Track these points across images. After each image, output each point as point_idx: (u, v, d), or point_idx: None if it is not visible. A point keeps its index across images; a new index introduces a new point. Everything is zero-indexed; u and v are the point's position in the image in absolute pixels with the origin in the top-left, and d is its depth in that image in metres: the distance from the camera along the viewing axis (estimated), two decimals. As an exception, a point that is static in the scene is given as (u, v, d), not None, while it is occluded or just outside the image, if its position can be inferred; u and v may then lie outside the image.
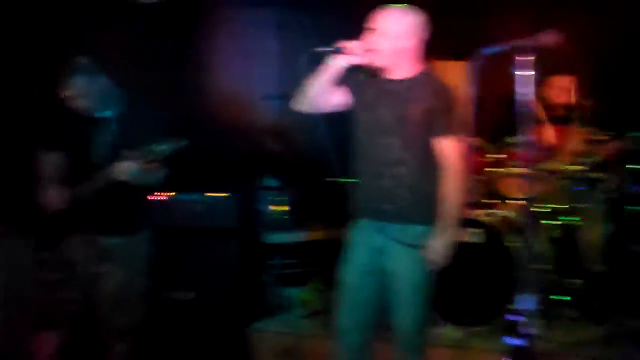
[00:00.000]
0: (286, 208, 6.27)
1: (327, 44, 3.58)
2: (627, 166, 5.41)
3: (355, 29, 3.70)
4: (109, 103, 4.30)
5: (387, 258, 3.65)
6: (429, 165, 3.64)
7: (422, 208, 3.64)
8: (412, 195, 3.62)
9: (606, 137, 5.25)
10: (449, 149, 3.61)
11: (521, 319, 2.68)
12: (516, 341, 2.53)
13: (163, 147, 4.09)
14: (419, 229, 3.62)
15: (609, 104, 5.45)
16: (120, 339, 4.40)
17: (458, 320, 4.94)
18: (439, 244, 3.60)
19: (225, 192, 5.57)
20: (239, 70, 6.60)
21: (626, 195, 5.52)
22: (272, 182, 6.44)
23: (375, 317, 3.77)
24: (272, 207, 6.21)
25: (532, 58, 2.79)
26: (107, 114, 4.30)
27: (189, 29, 6.40)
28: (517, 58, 2.75)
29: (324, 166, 6.55)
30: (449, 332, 4.91)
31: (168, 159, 4.17)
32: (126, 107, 4.34)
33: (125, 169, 4.08)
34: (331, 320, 5.19)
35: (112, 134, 4.28)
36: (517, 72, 2.84)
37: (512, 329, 2.61)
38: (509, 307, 4.66)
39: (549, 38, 2.76)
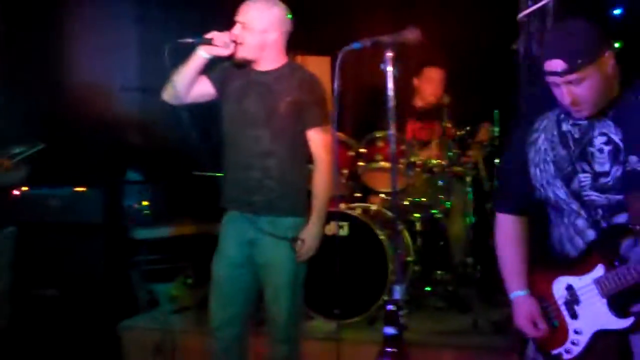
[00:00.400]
0: (149, 203, 6.15)
1: (193, 36, 3.55)
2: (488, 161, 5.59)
3: (218, 21, 3.68)
4: None
5: (258, 250, 3.67)
6: (298, 157, 3.69)
7: (292, 200, 3.68)
8: (281, 187, 3.64)
9: (465, 132, 5.41)
10: (318, 141, 3.66)
11: (393, 308, 2.73)
12: (392, 330, 2.57)
13: (18, 150, 3.95)
14: (289, 220, 3.66)
15: (467, 99, 5.63)
16: None
17: (328, 313, 4.97)
18: (309, 236, 3.65)
19: (88, 187, 5.44)
20: (98, 62, 6.45)
21: (486, 190, 5.69)
22: (135, 176, 6.32)
23: (248, 310, 3.79)
24: (137, 202, 6.07)
25: (393, 54, 2.82)
26: None
27: (49, 21, 6.20)
28: (386, 53, 2.77)
29: (190, 159, 6.51)
30: (319, 324, 4.94)
31: (27, 160, 4.03)
32: None
33: None
34: (201, 315, 5.19)
35: None
36: (384, 67, 2.85)
37: (389, 319, 2.65)
38: (385, 297, 4.78)
39: (409, 34, 2.80)
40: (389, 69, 2.83)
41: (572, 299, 2.59)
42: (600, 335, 2.55)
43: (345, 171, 5.34)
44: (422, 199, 5.39)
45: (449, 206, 5.47)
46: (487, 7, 5.78)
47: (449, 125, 5.37)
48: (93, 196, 5.41)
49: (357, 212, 5.08)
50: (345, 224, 4.98)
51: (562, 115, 2.65)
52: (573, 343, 2.60)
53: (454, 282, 5.46)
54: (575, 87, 2.45)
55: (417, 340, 4.47)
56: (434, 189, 5.37)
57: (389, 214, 5.27)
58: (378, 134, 5.28)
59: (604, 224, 2.56)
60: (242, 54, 3.61)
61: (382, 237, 4.89)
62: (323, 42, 6.78)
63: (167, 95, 3.69)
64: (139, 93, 6.60)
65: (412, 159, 5.26)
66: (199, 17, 6.26)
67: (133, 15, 6.75)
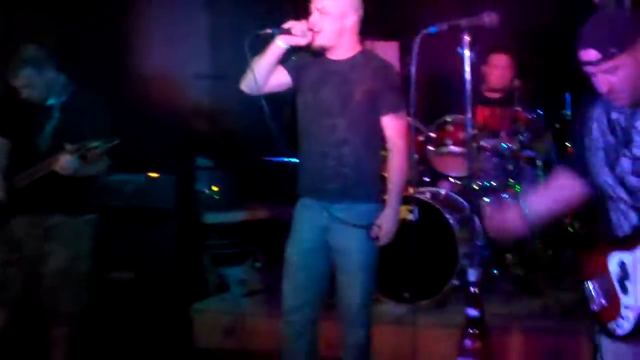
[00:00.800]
0: (219, 188, 6.25)
1: (272, 26, 3.57)
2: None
3: (287, 6, 3.71)
4: (55, 92, 4.27)
5: (333, 236, 3.70)
6: (373, 144, 3.72)
7: (367, 187, 3.71)
8: (356, 174, 3.66)
9: (537, 116, 5.35)
10: (393, 128, 3.69)
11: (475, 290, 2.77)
12: (474, 312, 2.59)
13: (95, 144, 4.04)
14: (364, 207, 3.69)
15: (538, 83, 5.57)
16: (62, 322, 4.37)
17: (398, 296, 4.99)
18: (386, 222, 3.67)
19: (161, 173, 5.54)
20: (170, 50, 6.52)
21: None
22: (206, 162, 6.42)
23: (321, 295, 3.83)
24: (207, 187, 6.18)
25: (470, 37, 2.82)
26: (51, 101, 4.27)
27: (120, 11, 6.31)
28: (463, 37, 2.78)
29: (261, 145, 6.57)
30: (390, 308, 4.97)
31: (103, 154, 4.13)
32: (69, 95, 4.31)
33: (65, 164, 4.02)
34: (271, 299, 5.27)
35: (56, 122, 4.24)
36: (461, 51, 2.86)
37: (471, 300, 2.69)
38: (455, 281, 4.79)
39: (487, 18, 2.80)
40: (466, 52, 2.83)
41: (623, 275, 2.59)
42: None
43: (415, 156, 5.34)
44: (492, 183, 5.36)
45: (518, 190, 5.43)
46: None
47: (519, 109, 5.32)
48: (166, 182, 5.52)
49: (426, 196, 5.08)
50: (414, 208, 4.99)
51: (611, 104, 2.65)
52: (623, 318, 2.60)
53: (523, 265, 5.42)
54: (611, 76, 2.46)
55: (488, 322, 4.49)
56: (504, 173, 5.34)
57: (459, 198, 5.26)
58: (448, 118, 5.27)
59: None
60: (321, 41, 3.63)
61: (451, 221, 4.88)
62: (391, 27, 6.81)
63: (246, 85, 3.72)
64: (211, 80, 6.66)
65: (482, 143, 5.23)
66: (269, 1, 6.29)
67: (202, 2, 6.81)
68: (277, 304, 4.95)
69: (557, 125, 5.53)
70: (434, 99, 5.65)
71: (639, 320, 2.54)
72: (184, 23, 6.62)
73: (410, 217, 4.94)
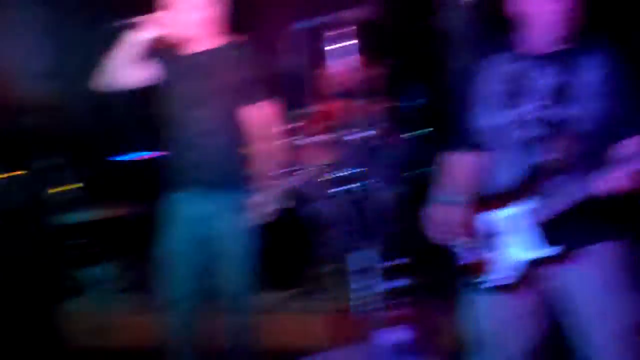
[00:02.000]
0: (74, 186, 6.12)
1: (125, 19, 3.53)
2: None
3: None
4: None
5: (212, 226, 3.74)
6: (239, 133, 3.77)
7: (238, 174, 3.77)
8: (227, 163, 3.74)
9: (391, 107, 5.56)
10: (261, 115, 3.75)
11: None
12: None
13: None
14: (237, 194, 3.74)
15: (391, 75, 5.79)
16: None
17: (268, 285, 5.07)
18: (261, 204, 3.75)
19: (12, 173, 5.39)
20: (6, 46, 6.31)
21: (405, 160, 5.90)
22: (55, 161, 6.25)
23: (202, 284, 3.85)
24: (60, 187, 6.04)
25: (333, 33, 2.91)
26: None
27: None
28: (325, 33, 2.87)
29: (109, 143, 6.48)
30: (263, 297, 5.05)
31: None
32: None
33: None
34: (133, 296, 5.24)
35: None
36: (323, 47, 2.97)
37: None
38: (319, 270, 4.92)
39: (360, 13, 2.90)
40: (329, 47, 2.91)
41: (492, 232, 2.74)
42: (532, 265, 2.70)
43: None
44: (347, 173, 5.52)
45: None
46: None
47: (373, 100, 5.50)
48: (17, 183, 5.36)
49: (288, 186, 5.17)
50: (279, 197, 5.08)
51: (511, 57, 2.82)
52: (494, 272, 2.75)
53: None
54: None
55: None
56: (358, 163, 5.50)
57: (312, 188, 5.40)
58: (302, 111, 5.39)
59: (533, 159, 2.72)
60: (179, 33, 3.63)
61: (313, 210, 5.02)
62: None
63: (101, 82, 3.69)
64: (49, 78, 6.48)
65: (338, 135, 5.38)
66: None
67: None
68: (142, 301, 4.99)
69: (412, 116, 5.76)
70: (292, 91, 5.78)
71: (522, 274, 2.71)
72: (19, 18, 6.41)
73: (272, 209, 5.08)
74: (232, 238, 3.77)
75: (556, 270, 2.73)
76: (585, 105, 2.67)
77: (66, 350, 5.00)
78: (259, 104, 3.74)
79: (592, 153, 2.65)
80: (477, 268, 2.79)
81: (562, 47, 2.74)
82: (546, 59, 2.75)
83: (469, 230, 2.81)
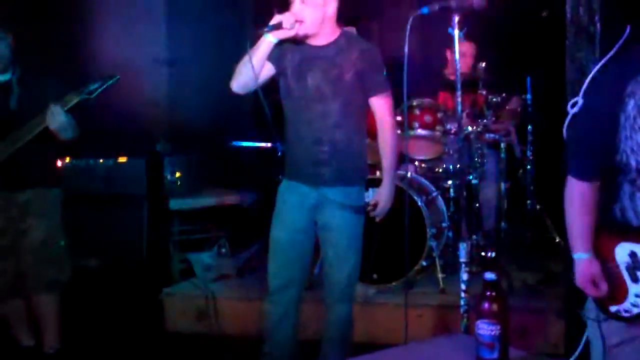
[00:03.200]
0: (182, 174, 6.23)
1: (262, 25, 3.56)
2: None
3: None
4: (9, 66, 4.30)
5: (324, 215, 3.76)
6: (362, 126, 3.81)
7: (358, 169, 3.81)
8: (348, 158, 3.74)
9: (500, 100, 5.45)
10: (382, 107, 3.76)
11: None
12: (492, 276, 2.66)
13: (94, 86, 4.05)
14: (355, 189, 3.78)
15: (501, 68, 5.69)
16: (49, 290, 4.48)
17: (367, 278, 5.04)
18: (383, 199, 3.84)
19: (129, 158, 5.53)
20: (128, 33, 6.46)
21: (517, 157, 5.80)
22: (168, 147, 6.39)
23: (305, 274, 3.92)
24: (172, 174, 6.16)
25: (459, 18, 2.88)
26: (6, 77, 4.30)
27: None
28: (453, 18, 2.83)
29: (224, 131, 6.55)
30: (358, 289, 5.02)
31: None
32: (23, 69, 4.35)
33: (57, 115, 4.05)
34: (239, 283, 5.30)
35: (18, 95, 4.28)
36: (451, 31, 2.91)
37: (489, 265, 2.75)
38: (423, 262, 4.86)
39: (476, 0, 2.85)
40: (456, 32, 2.89)
41: (635, 265, 2.62)
42: None
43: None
44: (457, 166, 5.46)
45: (483, 173, 5.54)
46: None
47: (482, 93, 5.41)
48: (135, 167, 5.51)
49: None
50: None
51: None
52: (633, 305, 2.64)
53: (487, 246, 5.53)
54: None
55: (454, 303, 4.59)
56: (468, 156, 5.44)
57: (424, 180, 5.35)
58: (415, 102, 5.33)
59: None
60: (305, 30, 3.62)
61: (419, 202, 4.96)
62: (347, 12, 6.85)
63: (237, 85, 3.71)
64: (168, 66, 6.62)
65: (448, 127, 5.32)
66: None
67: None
68: (247, 288, 5.03)
69: (519, 109, 5.65)
70: (398, 82, 5.74)
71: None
72: (140, 7, 6.55)
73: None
74: (345, 228, 3.77)
75: None
76: None
77: (167, 334, 5.12)
78: (382, 94, 3.75)
79: None
80: (610, 298, 2.70)
81: None
82: None
83: (604, 256, 2.70)
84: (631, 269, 2.64)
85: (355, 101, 3.72)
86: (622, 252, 2.65)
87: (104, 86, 4.09)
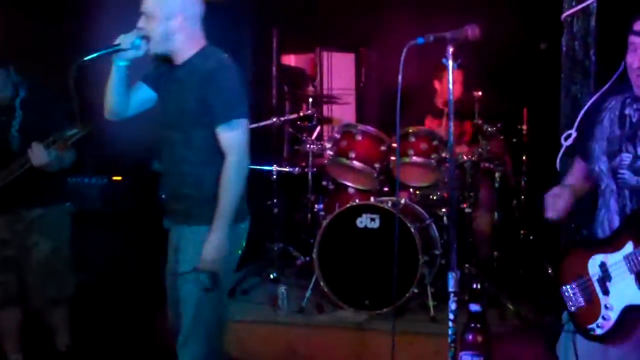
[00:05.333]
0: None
1: (99, 48, 3.21)
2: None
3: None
4: (10, 90, 4.33)
5: (177, 260, 3.42)
6: (215, 159, 3.26)
7: (210, 208, 3.23)
8: (198, 194, 3.30)
9: (495, 128, 5.45)
10: (225, 140, 3.24)
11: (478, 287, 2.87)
12: (476, 307, 2.67)
13: (72, 132, 4.08)
14: (202, 230, 3.25)
15: (497, 96, 5.71)
16: (53, 306, 4.58)
17: (358, 304, 5.04)
18: (209, 246, 3.20)
19: (123, 176, 5.54)
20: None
21: (512, 186, 5.81)
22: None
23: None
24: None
25: (453, 49, 2.90)
26: (9, 101, 4.33)
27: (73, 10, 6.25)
28: (447, 48, 2.86)
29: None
30: (349, 315, 5.02)
31: (76, 143, 4.16)
32: (27, 92, 4.36)
33: (39, 155, 4.07)
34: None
35: (20, 119, 4.30)
36: (445, 62, 2.95)
37: (474, 296, 2.78)
38: (415, 289, 4.84)
39: (470, 31, 2.88)
40: (450, 63, 2.91)
41: (604, 276, 2.67)
42: (629, 310, 2.62)
43: (377, 165, 5.40)
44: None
45: (476, 201, 5.54)
46: (520, 5, 5.86)
47: (479, 122, 5.42)
48: (129, 185, 5.51)
49: (387, 205, 5.14)
50: (376, 216, 5.05)
51: (629, 100, 2.75)
52: (604, 318, 2.67)
53: (479, 275, 5.52)
54: None
55: (444, 331, 4.54)
56: (463, 184, 5.44)
57: (418, 207, 5.35)
58: (410, 129, 5.34)
59: (630, 205, 2.68)
60: (155, 48, 3.26)
61: (412, 229, 4.95)
62: (347, 40, 6.88)
63: (107, 113, 3.41)
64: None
65: (443, 155, 5.32)
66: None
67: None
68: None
69: (514, 140, 5.67)
70: (392, 110, 5.75)
71: (620, 320, 2.63)
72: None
73: (371, 225, 5.04)
74: (186, 278, 3.29)
75: None
76: None
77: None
78: (225, 125, 3.22)
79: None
80: (586, 314, 2.74)
81: None
82: None
83: (579, 271, 2.76)
84: (601, 281, 2.70)
85: (201, 131, 3.25)
86: (593, 264, 2.72)
87: (81, 134, 4.11)
